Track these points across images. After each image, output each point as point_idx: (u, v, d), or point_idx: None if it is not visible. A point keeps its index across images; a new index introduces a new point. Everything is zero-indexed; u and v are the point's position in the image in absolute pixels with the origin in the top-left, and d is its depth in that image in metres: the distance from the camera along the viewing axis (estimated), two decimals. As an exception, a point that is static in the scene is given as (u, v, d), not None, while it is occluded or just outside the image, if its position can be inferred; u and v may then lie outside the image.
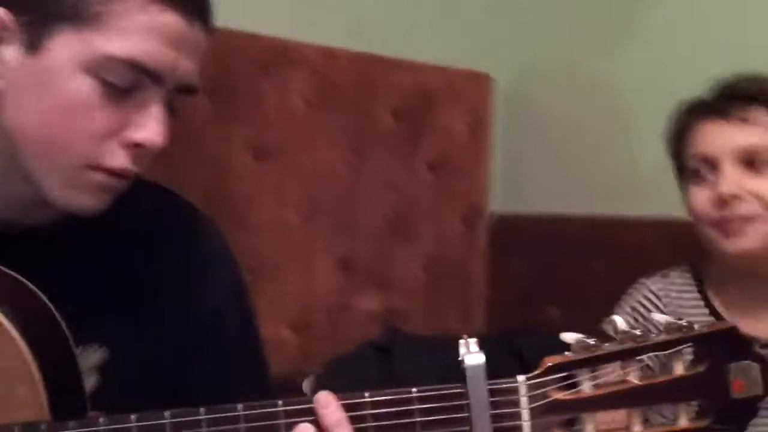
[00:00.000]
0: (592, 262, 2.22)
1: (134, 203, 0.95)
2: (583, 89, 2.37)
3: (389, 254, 2.28)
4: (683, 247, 1.46)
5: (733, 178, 1.32)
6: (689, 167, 1.39)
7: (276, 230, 2.06)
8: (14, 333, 0.84)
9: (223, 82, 1.92)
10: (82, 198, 0.90)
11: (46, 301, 0.87)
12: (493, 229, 2.49)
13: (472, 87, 2.46)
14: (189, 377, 0.99)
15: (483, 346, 0.83)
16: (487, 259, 2.47)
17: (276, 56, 2.07)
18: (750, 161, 1.32)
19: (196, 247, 1.03)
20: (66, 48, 0.86)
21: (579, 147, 2.37)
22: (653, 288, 1.45)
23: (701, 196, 1.36)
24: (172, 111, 0.92)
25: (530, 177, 2.49)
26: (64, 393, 0.87)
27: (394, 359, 1.89)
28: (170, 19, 0.88)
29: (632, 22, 2.25)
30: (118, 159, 0.89)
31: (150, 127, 0.89)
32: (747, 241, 1.32)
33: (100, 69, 0.86)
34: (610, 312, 1.45)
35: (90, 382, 0.94)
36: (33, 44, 0.87)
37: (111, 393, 0.93)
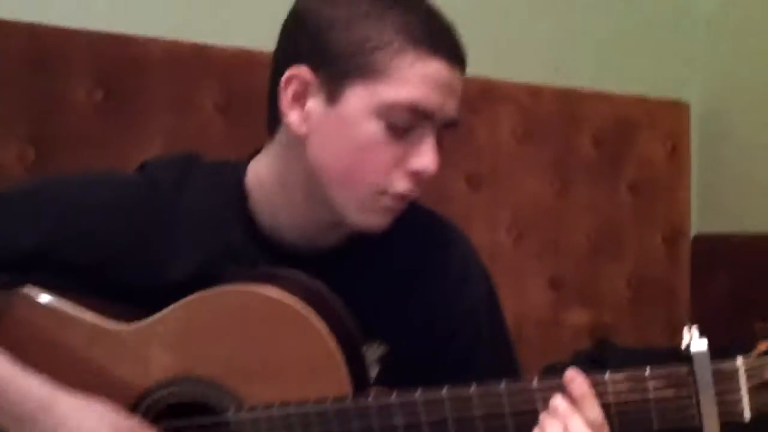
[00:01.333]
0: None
1: (400, 222, 1.12)
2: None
3: (595, 272, 2.42)
4: None
5: None
6: None
7: (488, 251, 2.24)
8: (319, 324, 1.03)
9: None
10: (373, 219, 1.09)
11: (339, 302, 1.07)
12: (694, 247, 2.58)
13: (670, 114, 2.56)
14: (451, 364, 1.16)
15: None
16: (689, 276, 2.56)
17: (485, 94, 2.27)
18: None
19: (454, 256, 1.20)
20: (359, 98, 1.03)
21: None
22: None
23: None
24: (439, 143, 1.07)
25: (729, 197, 2.57)
26: (355, 378, 1.05)
27: (606, 369, 2.02)
28: (439, 67, 1.03)
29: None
30: (403, 185, 1.06)
31: (426, 156, 1.05)
32: None
33: (386, 113, 1.02)
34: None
35: (373, 372, 1.13)
36: (332, 96, 1.04)
37: (389, 381, 1.10)
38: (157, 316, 1.07)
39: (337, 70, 1.04)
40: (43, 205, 1.13)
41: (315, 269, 1.10)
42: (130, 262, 1.12)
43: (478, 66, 2.25)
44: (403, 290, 1.17)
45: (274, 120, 1.11)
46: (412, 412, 1.00)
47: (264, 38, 1.17)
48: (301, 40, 1.07)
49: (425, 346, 1.16)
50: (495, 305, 1.24)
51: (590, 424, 0.94)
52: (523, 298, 2.27)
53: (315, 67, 1.05)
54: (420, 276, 1.18)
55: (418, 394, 1.00)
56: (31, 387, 1.04)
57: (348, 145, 1.05)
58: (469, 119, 2.23)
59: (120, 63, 1.77)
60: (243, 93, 1.92)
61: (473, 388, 0.99)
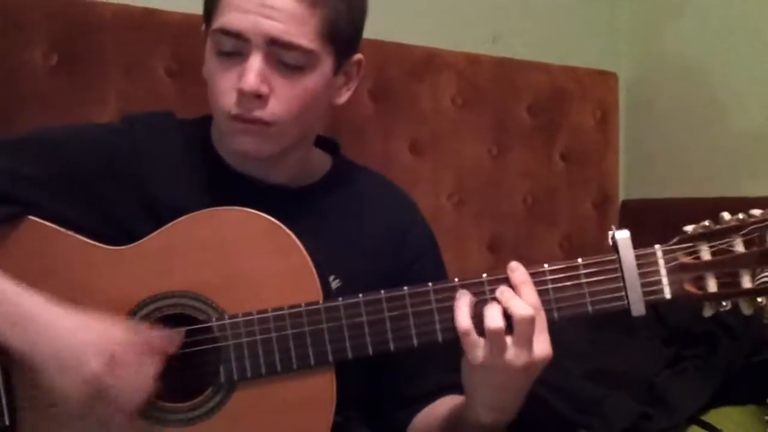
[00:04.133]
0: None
1: (355, 178, 1.28)
2: (699, 79, 2.55)
3: (531, 236, 2.53)
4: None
5: None
6: None
7: (431, 216, 2.31)
8: (296, 240, 1.12)
9: (382, 86, 2.21)
10: (236, 143, 1.20)
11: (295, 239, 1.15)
12: (622, 212, 2.71)
13: (599, 84, 2.68)
14: None
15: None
16: (618, 240, 2.67)
17: (427, 63, 2.33)
18: None
19: (401, 210, 1.35)
20: (208, 40, 1.19)
21: (699, 134, 2.56)
22: None
23: None
24: (284, 65, 1.15)
25: (655, 164, 2.70)
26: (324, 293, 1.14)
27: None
28: None
29: (747, 17, 2.43)
30: (233, 105, 1.16)
31: (243, 75, 1.14)
32: None
33: (215, 45, 1.16)
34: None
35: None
36: (205, 42, 1.20)
37: None
38: (144, 240, 1.16)
39: (205, 19, 1.21)
40: (37, 144, 1.23)
41: (280, 205, 1.18)
42: (118, 198, 1.21)
43: (420, 36, 2.36)
44: (357, 231, 1.29)
45: None
46: (377, 309, 1.10)
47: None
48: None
49: (375, 284, 1.22)
50: (438, 253, 1.38)
51: (529, 305, 1.05)
52: (463, 260, 2.35)
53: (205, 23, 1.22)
54: (373, 219, 1.31)
55: (382, 293, 1.11)
56: (30, 295, 1.09)
57: (208, 81, 1.20)
58: (412, 87, 2.30)
59: (73, 26, 1.78)
60: (193, 57, 1.92)
61: (430, 285, 1.10)
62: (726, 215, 1.04)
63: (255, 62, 1.13)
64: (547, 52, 2.57)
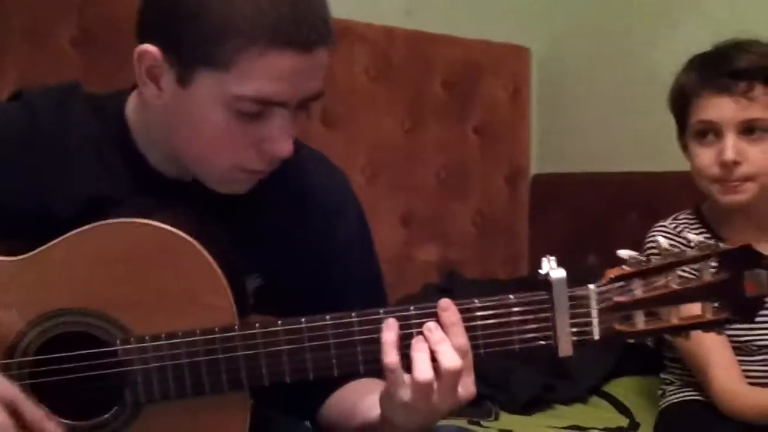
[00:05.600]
0: (626, 214, 2.44)
1: (286, 164, 1.12)
2: (612, 56, 2.58)
3: (443, 210, 2.54)
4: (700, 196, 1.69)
5: (734, 146, 1.55)
6: (694, 128, 1.61)
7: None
8: (206, 254, 1.04)
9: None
10: (232, 187, 1.11)
11: (220, 232, 1.09)
12: (533, 187, 2.75)
13: (512, 59, 2.70)
14: (324, 297, 1.18)
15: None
16: (529, 214, 2.73)
17: (341, 35, 2.29)
18: (749, 129, 1.56)
19: (332, 195, 1.24)
20: (207, 87, 1.02)
21: (609, 110, 2.59)
22: (670, 227, 1.69)
23: (705, 157, 1.59)
24: (305, 110, 1.07)
25: (565, 139, 2.73)
26: (238, 307, 1.07)
27: (455, 299, 2.14)
28: (288, 58, 1.00)
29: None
30: (258, 164, 1.07)
31: (280, 142, 1.05)
32: (741, 197, 1.58)
33: (234, 104, 1.02)
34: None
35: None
36: (182, 80, 1.03)
37: (264, 313, 1.13)
38: (41, 249, 1.06)
39: (187, 56, 1.02)
40: None
41: (198, 201, 1.12)
42: (12, 191, 1.10)
43: (334, 7, 2.31)
44: (281, 224, 1.20)
45: None
46: (297, 338, 1.04)
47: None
48: (153, 17, 1.05)
49: (300, 280, 1.20)
50: (367, 240, 1.29)
51: (457, 349, 1.01)
52: (376, 234, 2.33)
53: (165, 49, 1.03)
54: (297, 210, 1.22)
55: (303, 321, 1.05)
56: None
57: (200, 129, 1.06)
58: (326, 59, 2.27)
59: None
60: (100, 27, 1.88)
61: (354, 316, 1.05)
62: (664, 242, 1.04)
63: (287, 124, 1.05)
64: (461, 26, 2.57)
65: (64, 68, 1.84)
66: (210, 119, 1.04)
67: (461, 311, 1.03)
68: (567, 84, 2.73)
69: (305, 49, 1.01)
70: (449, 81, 2.54)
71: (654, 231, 1.71)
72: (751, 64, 1.56)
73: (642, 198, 2.42)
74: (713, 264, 1.04)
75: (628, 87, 2.53)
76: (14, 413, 0.98)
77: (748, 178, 1.57)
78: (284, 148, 1.06)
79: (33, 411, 1.00)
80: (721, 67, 1.58)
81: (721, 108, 1.57)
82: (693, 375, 1.66)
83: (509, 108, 2.69)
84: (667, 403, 1.73)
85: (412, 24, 2.47)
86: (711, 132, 1.59)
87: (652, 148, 2.42)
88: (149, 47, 1.04)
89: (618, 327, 1.04)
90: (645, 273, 1.04)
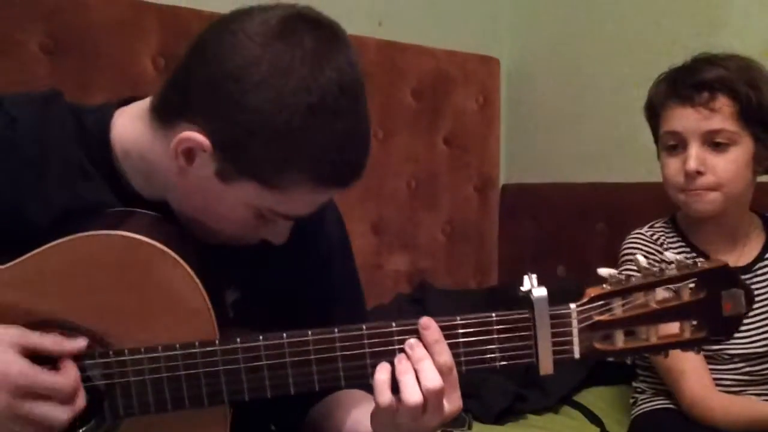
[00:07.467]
0: (594, 224, 2.47)
1: None
2: (580, 68, 2.61)
3: (414, 219, 2.55)
4: (671, 206, 1.72)
5: (698, 156, 1.59)
6: (663, 139, 1.65)
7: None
8: (185, 265, 1.03)
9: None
10: (231, 242, 1.14)
11: (199, 246, 1.09)
12: (502, 196, 2.77)
13: (482, 69, 2.72)
14: (303, 311, 1.20)
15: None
16: (499, 223, 2.74)
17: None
18: (713, 140, 1.59)
19: None
20: (245, 192, 1.05)
21: (578, 121, 2.62)
22: (647, 235, 1.72)
23: (672, 167, 1.63)
24: None
25: (534, 150, 2.76)
26: (219, 320, 1.06)
27: (426, 309, 2.16)
28: (327, 194, 1.09)
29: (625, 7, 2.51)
30: (251, 241, 1.13)
31: (280, 236, 1.13)
32: (707, 206, 1.62)
33: (261, 210, 1.07)
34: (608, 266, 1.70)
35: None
36: (224, 177, 1.04)
37: (243, 325, 1.12)
38: (20, 260, 1.04)
39: (241, 167, 1.04)
40: None
41: (176, 220, 1.12)
42: None
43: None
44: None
45: (165, 108, 1.07)
46: (278, 353, 1.04)
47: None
48: (214, 111, 1.02)
49: (280, 294, 1.20)
50: (348, 252, 1.30)
51: (440, 367, 1.02)
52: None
53: (218, 146, 1.03)
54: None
55: (285, 336, 1.05)
56: None
57: (217, 212, 1.09)
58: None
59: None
60: (70, 34, 1.86)
61: (336, 331, 1.05)
62: (643, 261, 1.05)
63: (290, 224, 1.12)
64: (431, 37, 2.59)
65: (33, 75, 1.82)
66: (234, 212, 1.08)
67: (443, 329, 1.04)
68: (536, 95, 2.76)
69: (344, 188, 1.08)
70: (420, 91, 2.55)
71: (631, 239, 1.73)
72: (715, 76, 1.59)
73: (610, 208, 2.45)
74: (691, 284, 1.05)
75: (596, 98, 2.57)
76: (25, 350, 0.98)
77: (711, 188, 1.60)
78: (279, 240, 1.13)
79: (42, 339, 1.00)
80: (687, 79, 1.62)
81: (685, 119, 1.61)
82: (665, 383, 1.69)
83: (479, 118, 2.71)
84: (639, 412, 1.76)
85: (384, 34, 2.48)
86: (678, 142, 1.62)
87: (620, 159, 2.46)
88: (201, 140, 1.02)
89: (598, 346, 1.06)
90: (624, 292, 1.05)
